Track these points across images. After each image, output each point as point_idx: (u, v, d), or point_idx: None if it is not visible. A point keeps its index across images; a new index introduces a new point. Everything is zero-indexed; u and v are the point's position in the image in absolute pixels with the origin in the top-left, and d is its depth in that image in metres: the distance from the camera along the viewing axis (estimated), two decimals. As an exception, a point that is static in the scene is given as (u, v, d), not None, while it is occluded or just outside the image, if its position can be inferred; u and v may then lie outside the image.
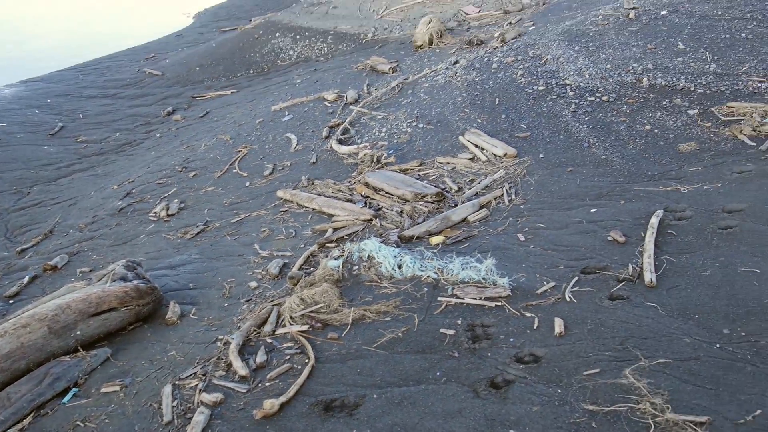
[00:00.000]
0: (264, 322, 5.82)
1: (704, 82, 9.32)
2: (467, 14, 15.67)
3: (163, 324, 6.24)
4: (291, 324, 5.66)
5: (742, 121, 8.42)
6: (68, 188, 10.84)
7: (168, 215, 8.80)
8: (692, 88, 9.25)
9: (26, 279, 7.59)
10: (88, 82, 16.59)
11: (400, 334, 5.26)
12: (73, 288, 6.39)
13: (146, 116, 13.97)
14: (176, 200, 9.10)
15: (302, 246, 7.26)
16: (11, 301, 7.24)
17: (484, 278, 5.83)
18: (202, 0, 25.19)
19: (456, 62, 11.76)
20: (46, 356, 5.64)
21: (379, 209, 7.71)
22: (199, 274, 7.10)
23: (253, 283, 6.67)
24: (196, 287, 6.85)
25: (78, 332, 5.81)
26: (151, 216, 8.86)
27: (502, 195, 7.60)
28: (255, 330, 5.73)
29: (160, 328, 6.21)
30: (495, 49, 11.78)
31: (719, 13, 11.17)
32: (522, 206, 7.28)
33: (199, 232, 8.19)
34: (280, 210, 8.25)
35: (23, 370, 5.49)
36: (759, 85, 9.11)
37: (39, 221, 9.65)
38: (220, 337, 5.64)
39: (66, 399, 5.21)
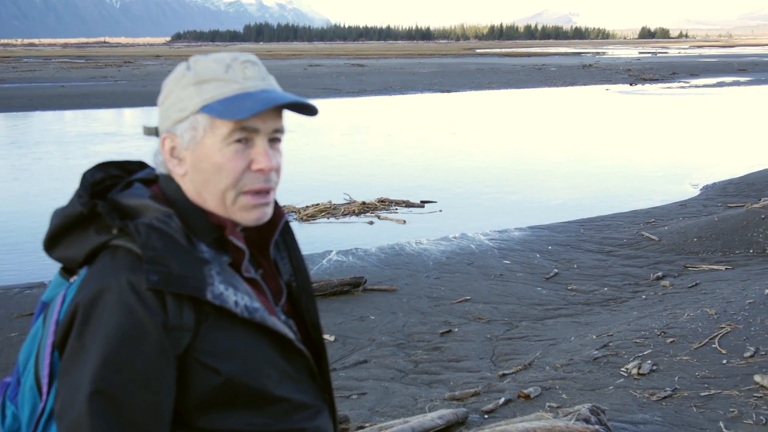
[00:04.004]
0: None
1: None
2: None
3: (614, 474, 6.56)
4: None
5: None
6: (552, 329, 11.78)
7: (638, 374, 9.10)
8: None
9: (502, 400, 8.51)
10: (587, 236, 17.79)
11: None
12: (541, 417, 7.09)
13: (636, 277, 14.51)
14: (649, 362, 9.37)
15: (770, 436, 7.02)
16: (486, 416, 8.18)
17: None
18: (713, 174, 25.28)
19: None
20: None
21: None
22: (658, 437, 7.28)
23: (712, 460, 6.66)
24: (654, 448, 7.05)
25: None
26: (623, 371, 9.25)
27: None
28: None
29: (611, 476, 6.54)
30: None
31: None
32: None
33: (665, 397, 8.34)
34: (754, 395, 8.03)
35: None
36: None
37: (521, 353, 10.69)
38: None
39: None
